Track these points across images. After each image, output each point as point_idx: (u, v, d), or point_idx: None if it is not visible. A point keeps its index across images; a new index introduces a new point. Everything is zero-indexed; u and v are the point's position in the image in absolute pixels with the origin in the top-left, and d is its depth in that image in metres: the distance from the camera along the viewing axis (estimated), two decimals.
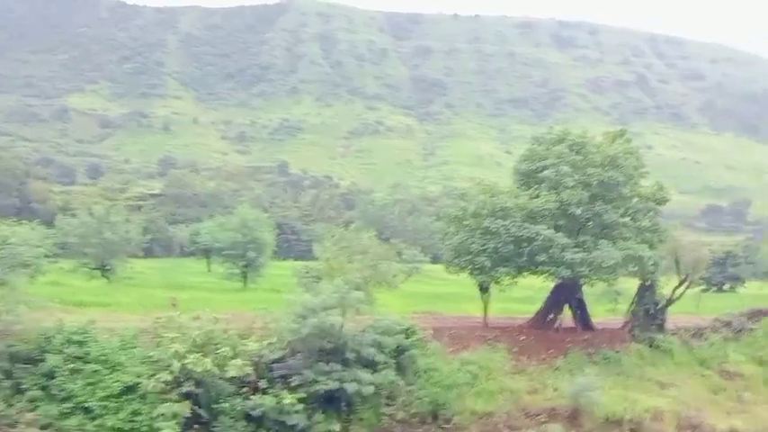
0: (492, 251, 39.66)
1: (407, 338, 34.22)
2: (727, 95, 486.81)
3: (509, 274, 40.88)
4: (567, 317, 45.06)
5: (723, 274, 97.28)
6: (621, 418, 36.12)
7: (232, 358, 28.18)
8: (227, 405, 27.78)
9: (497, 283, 41.44)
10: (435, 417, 33.70)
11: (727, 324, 49.38)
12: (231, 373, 27.77)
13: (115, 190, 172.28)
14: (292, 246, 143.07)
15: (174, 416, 26.13)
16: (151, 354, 28.34)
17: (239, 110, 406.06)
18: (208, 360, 27.26)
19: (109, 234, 65.71)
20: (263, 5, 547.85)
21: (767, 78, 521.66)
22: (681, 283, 46.19)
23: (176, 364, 26.89)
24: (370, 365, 31.31)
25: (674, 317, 48.25)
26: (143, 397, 26.75)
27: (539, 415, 35.31)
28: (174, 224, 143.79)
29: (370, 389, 30.33)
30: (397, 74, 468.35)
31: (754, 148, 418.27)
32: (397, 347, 33.48)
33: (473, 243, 40.18)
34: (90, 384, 26.94)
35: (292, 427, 28.41)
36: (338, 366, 30.12)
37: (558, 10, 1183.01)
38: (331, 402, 30.19)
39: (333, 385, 29.44)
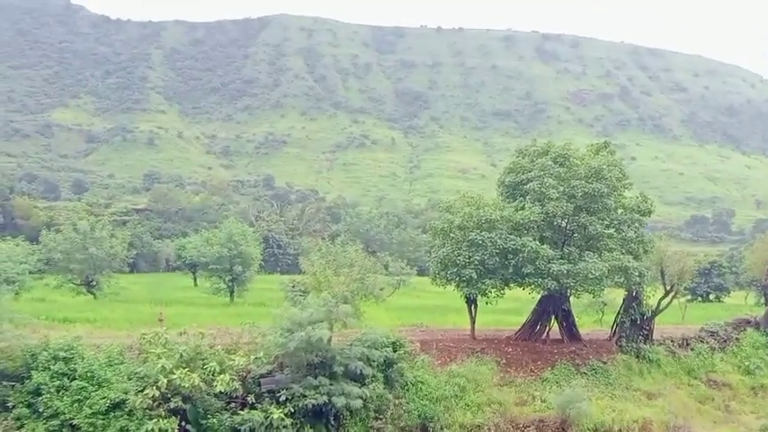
0: (478, 263, 39.73)
1: (395, 351, 34.24)
2: (709, 107, 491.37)
3: (495, 286, 40.90)
4: (553, 328, 45.16)
5: (708, 284, 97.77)
6: (610, 428, 36.20)
7: (219, 373, 28.04)
8: (215, 420, 27.65)
9: (484, 295, 41.44)
10: (424, 430, 33.67)
11: (713, 334, 49.70)
12: (219, 388, 27.64)
13: (100, 205, 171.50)
14: (279, 259, 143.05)
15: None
16: (138, 370, 28.18)
17: (224, 124, 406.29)
18: (195, 375, 27.12)
19: (94, 250, 65.43)
20: (245, 20, 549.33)
21: (748, 90, 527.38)
22: (666, 294, 46.42)
23: (163, 380, 26.73)
24: (359, 379, 31.26)
25: (660, 327, 48.50)
26: (130, 413, 26.56)
27: (527, 427, 35.34)
28: (159, 239, 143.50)
29: (359, 402, 30.26)
30: (381, 87, 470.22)
31: (737, 159, 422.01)
32: (385, 361, 33.48)
33: (459, 255, 40.24)
34: (77, 401, 26.74)
35: None
36: (326, 380, 30.04)
37: (541, 23, 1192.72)
38: (319, 416, 30.10)
39: (321, 399, 29.35)
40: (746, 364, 48.11)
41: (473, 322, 43.46)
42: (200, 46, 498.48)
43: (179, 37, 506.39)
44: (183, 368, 27.19)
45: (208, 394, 27.84)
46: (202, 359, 28.55)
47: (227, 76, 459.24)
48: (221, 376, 27.75)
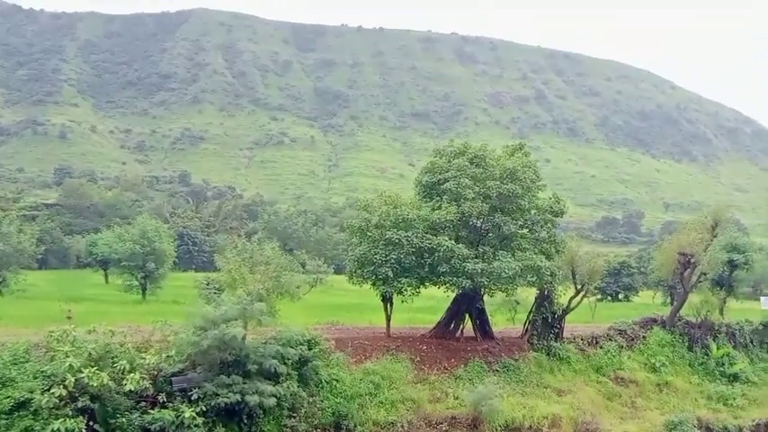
0: (394, 262, 39.84)
1: (310, 349, 34.10)
2: (621, 112, 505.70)
3: (411, 284, 41.03)
4: (467, 326, 45.63)
5: (618, 283, 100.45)
6: (520, 424, 36.78)
7: (129, 372, 27.41)
8: (124, 420, 27.01)
9: (400, 293, 41.57)
10: (338, 427, 33.63)
11: (622, 332, 50.94)
12: (128, 386, 27.01)
13: (8, 200, 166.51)
14: (194, 257, 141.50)
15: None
16: (44, 368, 27.30)
17: (139, 119, 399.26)
18: (104, 374, 26.45)
19: (0, 245, 63.50)
20: (163, 13, 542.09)
21: (659, 96, 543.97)
22: (577, 293, 47.31)
23: (71, 379, 25.98)
24: (273, 377, 31.04)
25: (570, 326, 49.46)
26: (36, 413, 25.73)
27: (440, 424, 35.63)
28: (70, 235, 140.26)
29: (272, 401, 30.04)
30: (300, 85, 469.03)
31: (647, 163, 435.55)
32: (300, 359, 33.31)
33: (376, 254, 40.26)
34: None
35: None
36: (239, 379, 29.72)
37: (460, 26, 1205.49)
38: (232, 415, 29.77)
39: (234, 398, 29.02)
40: (652, 361, 49.49)
41: (388, 320, 43.60)
42: (116, 39, 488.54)
43: (94, 29, 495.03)
44: (92, 367, 26.52)
45: (117, 393, 27.20)
46: (112, 357, 27.91)
47: (144, 71, 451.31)
48: (131, 375, 27.15)
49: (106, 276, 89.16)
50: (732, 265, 60.16)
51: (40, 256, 79.68)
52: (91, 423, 26.44)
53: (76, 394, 26.20)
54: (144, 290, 68.30)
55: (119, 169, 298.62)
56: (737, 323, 55.41)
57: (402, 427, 34.81)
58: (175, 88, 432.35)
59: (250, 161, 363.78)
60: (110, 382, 26.57)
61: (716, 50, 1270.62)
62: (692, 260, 52.01)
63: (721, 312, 56.96)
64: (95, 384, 26.10)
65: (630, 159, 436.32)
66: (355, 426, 33.83)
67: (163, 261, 69.25)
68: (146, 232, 68.35)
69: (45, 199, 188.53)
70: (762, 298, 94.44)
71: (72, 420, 25.53)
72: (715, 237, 53.52)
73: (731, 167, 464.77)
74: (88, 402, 26.29)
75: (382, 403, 35.42)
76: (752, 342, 54.98)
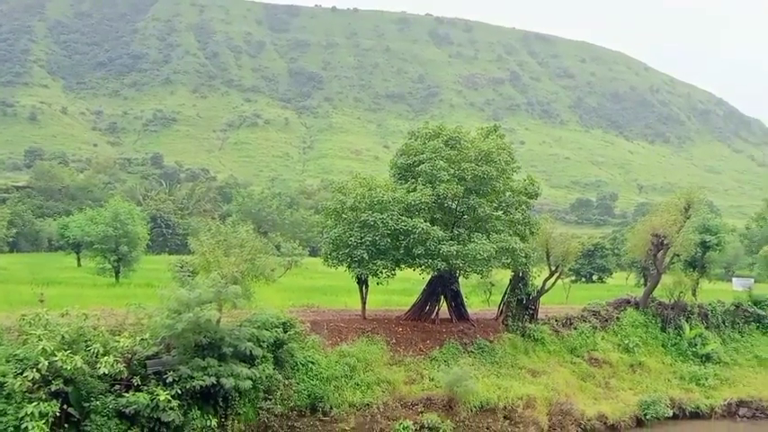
0: (370, 244, 39.73)
1: (285, 332, 34.08)
2: (595, 93, 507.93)
3: (386, 266, 40.94)
4: (442, 308, 45.72)
5: (591, 265, 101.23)
6: (495, 405, 37.01)
7: (103, 355, 27.22)
8: (98, 403, 26.87)
9: (375, 275, 41.51)
10: (314, 409, 33.70)
11: (596, 313, 51.34)
12: (102, 370, 26.83)
13: None
14: (167, 240, 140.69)
15: (43, 415, 25.02)
16: (17, 352, 27.03)
17: (110, 100, 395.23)
18: (77, 357, 26.25)
19: None
20: None
21: (632, 77, 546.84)
22: (551, 275, 47.58)
23: (44, 362, 25.75)
24: (248, 360, 31.00)
25: (545, 307, 49.80)
26: (8, 397, 25.50)
27: (415, 405, 35.77)
28: (41, 218, 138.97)
29: (248, 383, 30.01)
30: (274, 66, 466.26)
31: (621, 145, 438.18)
32: (275, 341, 33.28)
33: (351, 236, 40.16)
34: None
35: (167, 424, 27.74)
36: (215, 362, 29.66)
37: (434, 7, 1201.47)
38: (207, 398, 29.72)
39: (209, 381, 28.97)
40: (626, 342, 49.93)
41: (364, 303, 43.62)
42: (87, 19, 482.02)
43: (64, 9, 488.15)
44: (65, 350, 26.31)
45: (91, 376, 27.01)
46: (85, 341, 27.69)
47: (115, 51, 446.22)
48: (105, 358, 26.97)
49: (78, 259, 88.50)
50: (705, 246, 60.70)
51: (10, 239, 79.04)
52: (65, 406, 26.28)
53: (50, 378, 26.00)
54: (117, 273, 67.81)
55: (90, 151, 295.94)
56: (710, 304, 55.91)
57: (378, 408, 34.92)
58: (147, 69, 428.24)
59: (223, 143, 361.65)
60: (84, 366, 26.37)
61: (688, 31, 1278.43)
62: (665, 241, 52.40)
63: (694, 293, 57.50)
64: (69, 368, 25.90)
65: (604, 141, 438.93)
66: (331, 408, 33.92)
67: (136, 244, 68.73)
68: (118, 215, 67.70)
69: (15, 181, 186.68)
70: (734, 279, 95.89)
71: (46, 404, 25.35)
72: (688, 218, 53.89)
73: (704, 149, 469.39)
74: (62, 386, 26.11)
75: (358, 385, 35.52)
76: (724, 323, 55.48)
